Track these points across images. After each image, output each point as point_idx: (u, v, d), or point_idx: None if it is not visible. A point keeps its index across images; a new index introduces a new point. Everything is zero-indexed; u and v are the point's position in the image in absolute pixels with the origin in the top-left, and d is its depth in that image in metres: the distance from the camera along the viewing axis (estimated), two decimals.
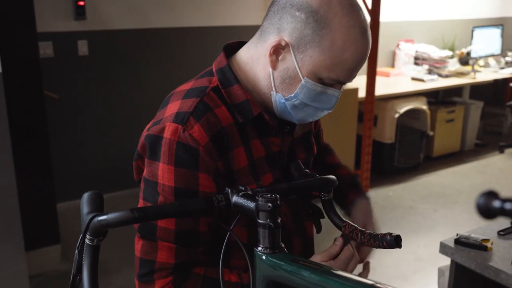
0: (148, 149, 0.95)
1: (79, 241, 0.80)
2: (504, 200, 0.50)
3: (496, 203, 0.50)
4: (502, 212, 0.50)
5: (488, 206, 0.50)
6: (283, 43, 0.93)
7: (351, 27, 0.91)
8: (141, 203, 0.96)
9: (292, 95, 0.97)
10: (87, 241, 0.77)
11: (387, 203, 4.15)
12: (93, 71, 3.80)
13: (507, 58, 5.79)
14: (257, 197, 0.77)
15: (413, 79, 4.97)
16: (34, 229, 2.91)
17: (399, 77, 5.09)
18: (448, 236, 1.76)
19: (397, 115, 4.55)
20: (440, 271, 1.92)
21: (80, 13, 3.62)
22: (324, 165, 1.31)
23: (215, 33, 4.23)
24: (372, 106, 4.13)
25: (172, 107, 0.97)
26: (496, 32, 5.69)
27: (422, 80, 4.88)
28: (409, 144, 4.74)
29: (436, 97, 5.36)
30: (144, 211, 0.77)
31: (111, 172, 4.01)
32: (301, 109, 0.99)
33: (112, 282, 2.95)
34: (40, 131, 2.94)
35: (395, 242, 0.91)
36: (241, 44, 1.08)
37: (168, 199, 0.92)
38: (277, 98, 0.99)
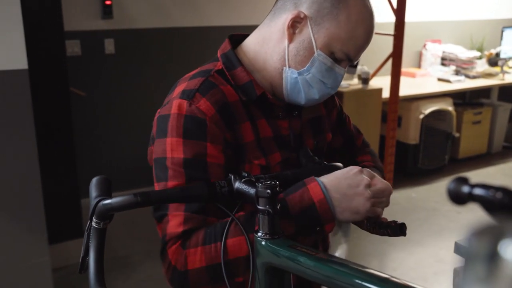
0: (157, 131, 0.98)
1: (87, 224, 0.83)
2: (473, 186, 0.50)
3: (465, 189, 0.50)
4: (471, 197, 0.50)
5: (458, 191, 0.51)
6: (301, 15, 0.98)
7: (363, 7, 0.99)
8: (155, 187, 0.97)
9: (305, 68, 1.00)
10: (93, 224, 0.80)
11: (410, 204, 4.11)
12: (119, 69, 3.87)
13: None
14: (257, 184, 0.79)
15: (439, 79, 4.90)
16: (58, 223, 2.98)
17: (425, 77, 5.02)
18: None
19: (422, 116, 4.50)
20: (456, 272, 1.88)
21: (107, 12, 3.69)
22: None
23: (239, 32, 4.25)
24: (396, 107, 4.09)
25: (179, 89, 1.01)
26: None
27: (448, 81, 4.81)
28: (433, 146, 4.67)
29: (463, 99, 5.27)
30: (147, 195, 0.79)
31: (135, 169, 4.07)
32: (311, 86, 1.01)
33: (133, 276, 3.00)
34: (65, 127, 3.01)
35: (399, 230, 0.91)
36: (246, 36, 1.12)
37: (178, 172, 0.92)
38: (289, 74, 1.02)
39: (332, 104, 1.22)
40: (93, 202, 0.81)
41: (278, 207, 0.77)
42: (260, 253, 0.78)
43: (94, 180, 0.85)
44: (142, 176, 4.11)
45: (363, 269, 0.67)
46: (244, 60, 1.06)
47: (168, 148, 0.94)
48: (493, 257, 0.34)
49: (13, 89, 2.24)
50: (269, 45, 1.03)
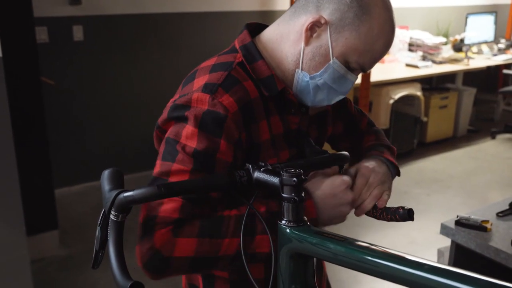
0: (173, 116, 0.95)
1: (101, 217, 0.81)
2: None
3: None
4: None
5: None
6: (322, 21, 0.96)
7: (386, 19, 0.97)
8: (157, 165, 0.94)
9: (318, 73, 0.99)
10: (112, 217, 0.78)
11: None
12: (89, 56, 3.79)
13: (500, 45, 5.83)
14: (281, 172, 0.79)
15: (407, 65, 4.99)
16: (32, 215, 2.91)
17: (393, 63, 5.11)
18: (442, 220, 1.80)
19: (391, 101, 4.58)
20: (440, 252, 1.96)
21: None
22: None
23: (212, 19, 4.22)
24: (367, 92, 4.15)
25: (200, 81, 0.98)
26: (489, 19, 5.73)
27: (416, 67, 4.91)
28: (403, 130, 4.78)
29: (430, 84, 5.39)
30: (170, 187, 0.78)
31: (108, 158, 4.01)
32: (321, 90, 1.01)
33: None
34: (37, 117, 2.93)
35: (408, 215, 0.95)
36: (261, 26, 1.10)
37: (187, 158, 0.91)
38: (301, 76, 1.01)
39: None
40: (109, 194, 0.78)
41: (302, 194, 0.78)
42: (284, 241, 0.80)
43: (106, 173, 0.83)
44: (114, 164, 4.04)
45: (396, 253, 0.69)
46: (263, 53, 1.03)
47: (184, 133, 0.92)
48: None
49: None
50: (286, 44, 1.01)
